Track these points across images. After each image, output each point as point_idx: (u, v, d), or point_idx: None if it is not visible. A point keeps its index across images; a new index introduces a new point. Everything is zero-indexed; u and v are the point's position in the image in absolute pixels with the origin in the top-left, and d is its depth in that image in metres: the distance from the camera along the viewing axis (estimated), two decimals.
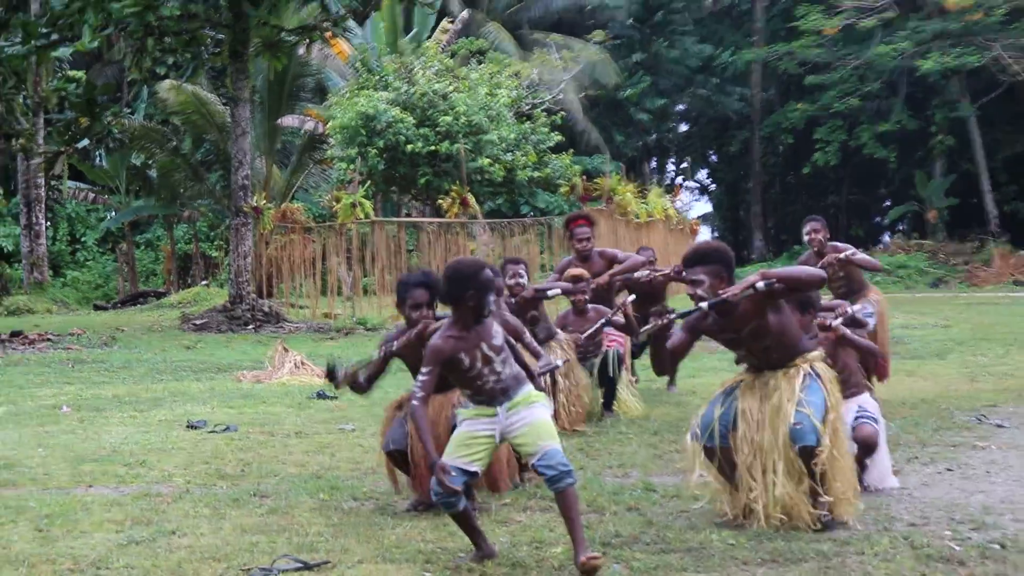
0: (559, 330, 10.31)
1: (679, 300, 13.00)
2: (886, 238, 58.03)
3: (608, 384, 10.62)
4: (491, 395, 5.66)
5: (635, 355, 12.41)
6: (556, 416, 7.73)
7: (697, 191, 65.23)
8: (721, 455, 6.34)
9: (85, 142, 22.56)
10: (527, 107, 32.76)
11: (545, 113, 31.23)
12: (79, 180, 38.63)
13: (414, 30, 36.03)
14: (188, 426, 10.42)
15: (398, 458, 6.95)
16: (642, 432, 9.79)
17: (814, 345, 6.49)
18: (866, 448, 7.14)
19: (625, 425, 10.18)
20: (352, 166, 26.44)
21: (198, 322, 22.54)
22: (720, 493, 6.45)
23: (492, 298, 5.65)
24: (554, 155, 30.33)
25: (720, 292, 6.10)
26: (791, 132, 52.02)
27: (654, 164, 60.02)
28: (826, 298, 8.28)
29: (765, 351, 6.28)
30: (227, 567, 5.58)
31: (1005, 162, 48.80)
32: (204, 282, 35.38)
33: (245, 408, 11.73)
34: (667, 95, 51.54)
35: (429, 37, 35.79)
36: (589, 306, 10.75)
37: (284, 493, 7.37)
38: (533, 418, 5.61)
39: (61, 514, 6.73)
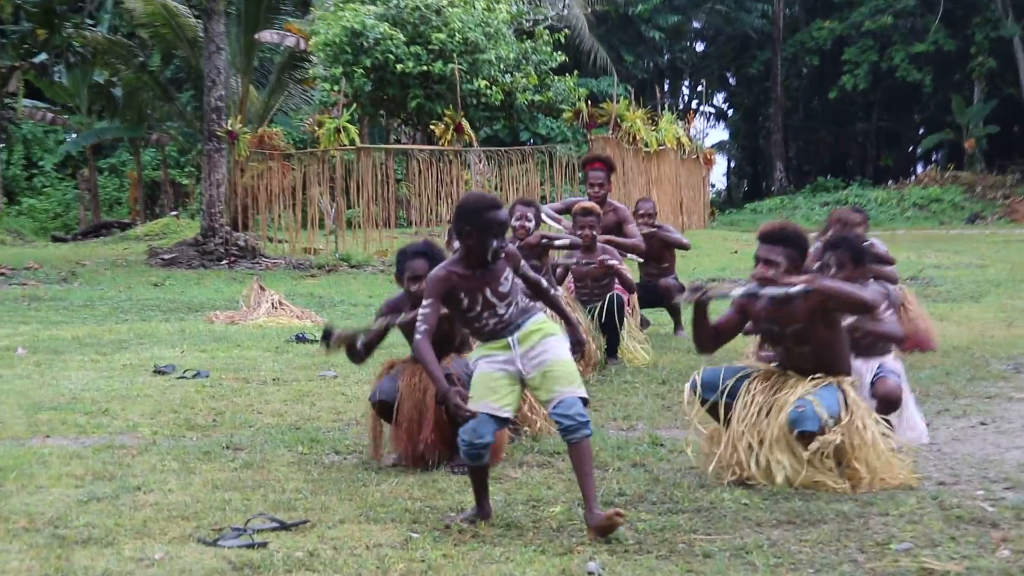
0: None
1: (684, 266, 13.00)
2: (919, 169, 57.98)
3: (612, 330, 10.63)
4: (493, 333, 5.66)
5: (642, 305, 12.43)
6: None
7: (713, 117, 65.07)
8: (722, 409, 6.41)
9: (43, 56, 22.42)
10: (528, 24, 32.54)
11: (548, 30, 31.01)
12: (36, 98, 38.43)
13: None
14: (155, 371, 10.42)
15: (384, 411, 6.95)
16: (649, 381, 9.81)
17: (850, 370, 6.54)
18: (888, 404, 7.14)
19: (631, 374, 10.20)
20: (336, 87, 26.29)
21: (167, 257, 22.52)
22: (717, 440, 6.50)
23: (496, 243, 5.56)
24: (557, 77, 30.15)
25: (767, 286, 6.19)
26: (817, 53, 51.79)
27: (667, 87, 59.74)
28: None
29: (801, 356, 6.38)
30: (197, 526, 5.58)
31: None
32: (173, 212, 35.35)
33: (218, 352, 11.73)
34: (682, 11, 51.23)
35: None
36: (598, 244, 10.75)
37: (259, 446, 7.37)
38: (548, 356, 5.56)
39: (15, 467, 6.73)
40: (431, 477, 6.56)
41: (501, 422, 5.65)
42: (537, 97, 29.16)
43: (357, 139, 24.04)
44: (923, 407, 8.36)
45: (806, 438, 6.18)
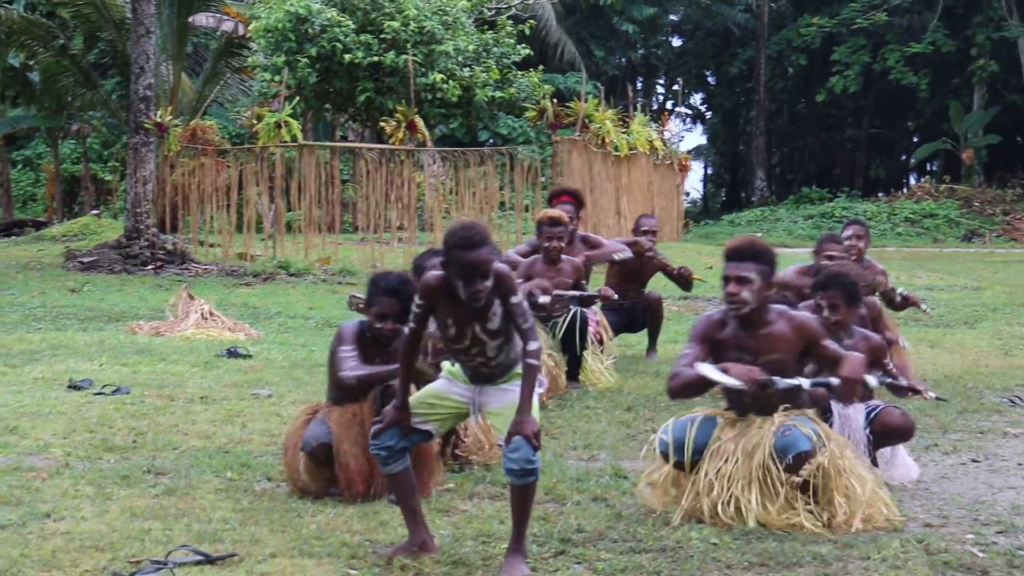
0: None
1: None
2: (912, 181, 58.35)
3: (571, 350, 10.65)
4: (475, 372, 5.73)
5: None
6: None
7: (689, 119, 65.36)
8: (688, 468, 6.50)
9: None
10: (490, 13, 32.59)
11: (511, 21, 31.08)
12: None
13: None
14: (70, 386, 10.37)
15: (323, 455, 6.88)
16: (613, 407, 9.84)
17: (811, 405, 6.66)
18: (902, 433, 7.29)
19: (593, 399, 10.23)
20: (278, 78, 26.23)
21: (86, 260, 22.39)
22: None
23: (464, 287, 5.46)
24: (520, 72, 30.20)
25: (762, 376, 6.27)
26: (804, 52, 52.05)
27: (640, 85, 59.96)
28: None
29: (768, 394, 6.41)
30: (112, 558, 5.57)
31: None
32: (94, 212, 35.12)
33: (140, 366, 11.69)
34: (658, 3, 51.42)
35: None
36: (564, 257, 10.78)
37: (184, 470, 7.36)
38: (512, 399, 5.61)
39: None
40: (371, 508, 6.56)
41: (421, 435, 5.80)
42: (498, 93, 29.18)
43: (300, 135, 23.98)
44: (911, 442, 8.43)
45: (801, 459, 6.24)
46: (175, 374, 11.26)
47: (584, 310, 10.81)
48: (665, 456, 6.51)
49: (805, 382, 6.37)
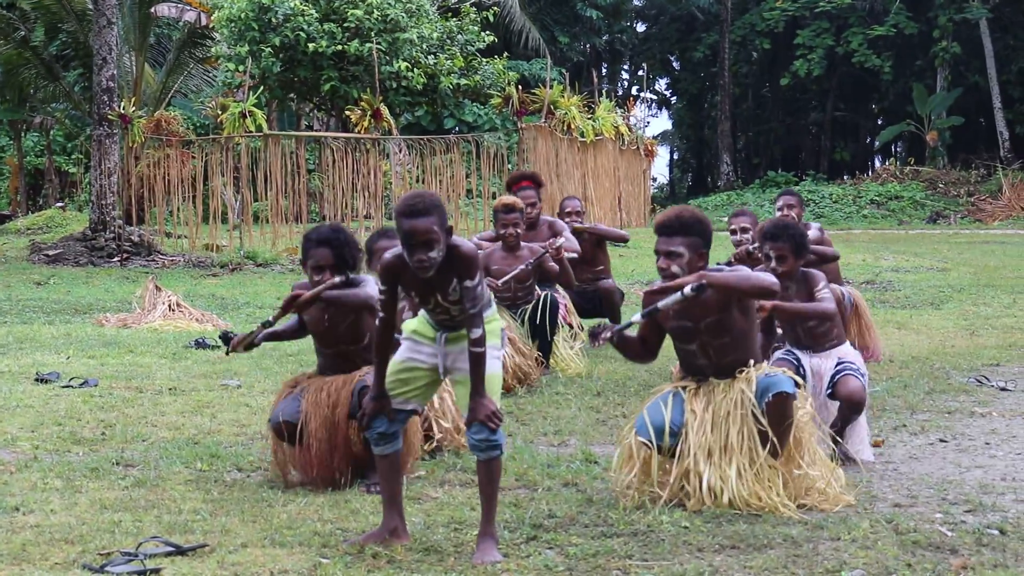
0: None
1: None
2: (877, 163, 58.61)
3: (543, 336, 10.64)
4: (437, 323, 5.74)
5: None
6: None
7: (655, 104, 65.42)
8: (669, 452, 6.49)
9: None
10: (454, 1, 32.55)
11: (475, 8, 31.06)
12: None
13: None
14: (37, 379, 10.32)
15: (286, 433, 6.89)
16: (583, 393, 9.84)
17: (760, 358, 6.66)
18: (853, 406, 7.28)
19: (563, 385, 10.23)
20: (242, 67, 26.18)
21: (51, 253, 22.31)
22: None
23: (411, 256, 5.43)
24: (485, 59, 30.20)
25: (659, 299, 6.25)
26: (768, 36, 52.21)
27: (604, 71, 59.99)
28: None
29: (720, 350, 6.43)
30: (82, 551, 5.54)
31: (1020, 74, 49.26)
32: (59, 204, 34.97)
33: (108, 358, 11.64)
34: None
35: None
36: (523, 244, 10.74)
37: (153, 462, 7.33)
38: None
39: None
40: (343, 497, 6.55)
41: (407, 414, 5.84)
42: (463, 81, 29.19)
43: (264, 125, 23.94)
44: (878, 422, 8.47)
45: (781, 399, 6.26)
46: (143, 366, 11.22)
47: (553, 293, 10.79)
48: (648, 444, 6.46)
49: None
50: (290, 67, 27.65)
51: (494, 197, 25.37)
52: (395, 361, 5.77)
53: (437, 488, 6.80)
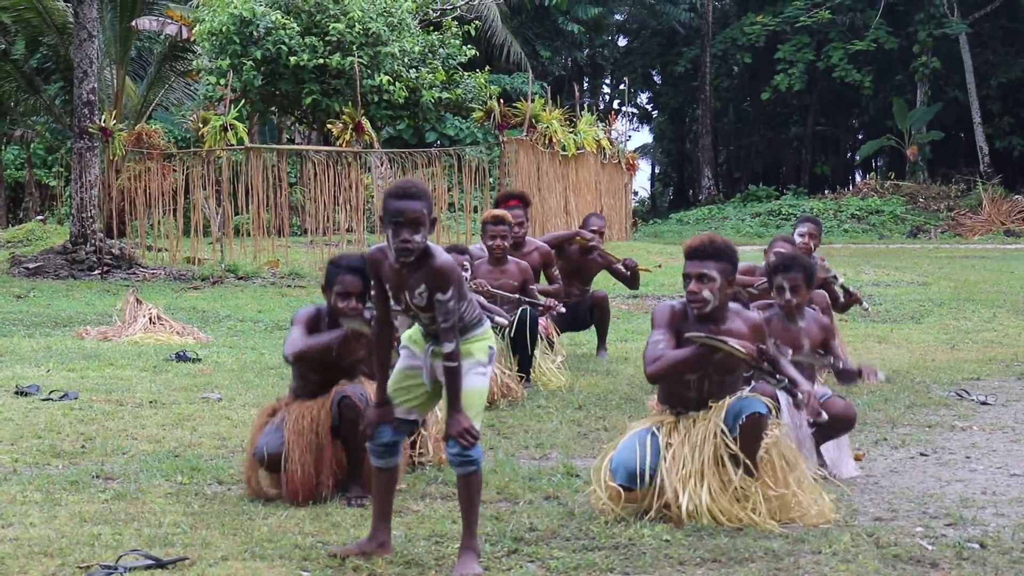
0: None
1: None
2: (858, 177, 58.78)
3: (523, 349, 10.64)
4: (424, 333, 5.75)
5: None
6: None
7: (636, 118, 65.55)
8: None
9: None
10: (435, 14, 32.56)
11: (457, 22, 31.07)
12: None
13: None
14: (16, 392, 10.29)
15: (274, 465, 6.85)
16: (564, 406, 9.84)
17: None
18: (846, 423, 7.36)
19: (544, 398, 10.23)
20: (223, 81, 26.13)
21: (31, 266, 22.24)
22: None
23: (394, 236, 5.44)
24: (467, 73, 30.20)
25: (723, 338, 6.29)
26: (749, 50, 52.33)
27: (586, 85, 60.08)
28: None
29: (717, 385, 6.45)
30: (61, 564, 5.53)
31: (1000, 89, 49.44)
32: (39, 217, 34.85)
33: (88, 371, 11.61)
34: (603, 2, 51.54)
35: None
36: (510, 257, 10.75)
37: (134, 475, 7.31)
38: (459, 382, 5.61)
39: None
40: (324, 510, 6.55)
41: (410, 424, 5.84)
42: (445, 95, 29.18)
43: (246, 138, 23.89)
44: (859, 436, 8.49)
45: (754, 420, 6.28)
46: (123, 379, 11.19)
47: (533, 311, 10.79)
48: (623, 487, 6.43)
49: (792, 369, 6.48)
50: (271, 80, 27.63)
51: (476, 211, 25.42)
52: (397, 369, 5.80)
53: (418, 501, 6.79)
